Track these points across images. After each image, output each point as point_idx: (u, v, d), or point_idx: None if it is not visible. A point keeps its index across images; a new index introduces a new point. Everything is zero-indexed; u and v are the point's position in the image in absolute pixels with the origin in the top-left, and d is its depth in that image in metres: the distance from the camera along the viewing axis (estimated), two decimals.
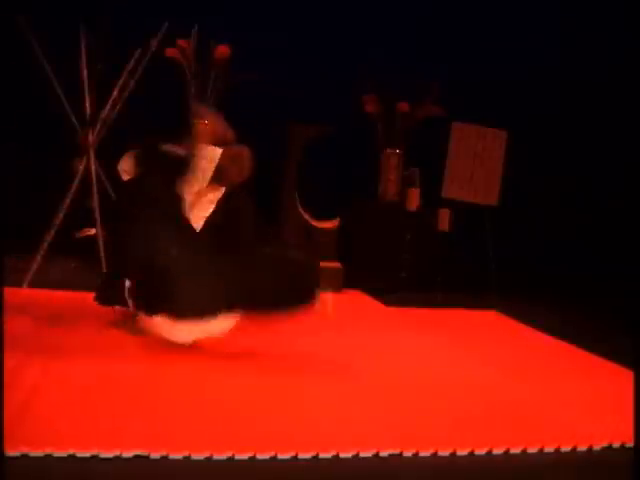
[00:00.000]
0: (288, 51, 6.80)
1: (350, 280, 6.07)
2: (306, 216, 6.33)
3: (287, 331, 4.25)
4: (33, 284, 5.08)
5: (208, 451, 2.66)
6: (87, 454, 2.56)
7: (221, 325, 3.79)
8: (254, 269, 3.88)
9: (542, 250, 7.20)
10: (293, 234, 6.25)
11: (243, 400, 3.24)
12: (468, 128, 6.82)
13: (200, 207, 4.11)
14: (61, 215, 5.33)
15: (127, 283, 4.02)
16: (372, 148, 6.58)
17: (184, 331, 3.73)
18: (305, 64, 6.87)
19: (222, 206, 4.17)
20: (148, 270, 3.82)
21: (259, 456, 2.69)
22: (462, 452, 2.89)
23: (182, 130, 5.88)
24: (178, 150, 4.19)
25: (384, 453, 2.82)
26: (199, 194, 4.11)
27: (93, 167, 5.46)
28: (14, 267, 5.01)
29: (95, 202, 5.41)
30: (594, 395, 3.77)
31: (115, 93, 5.52)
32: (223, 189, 4.20)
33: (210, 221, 4.09)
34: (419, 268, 6.44)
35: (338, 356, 4.10)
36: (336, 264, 6.12)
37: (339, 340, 4.45)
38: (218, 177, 4.18)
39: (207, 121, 4.37)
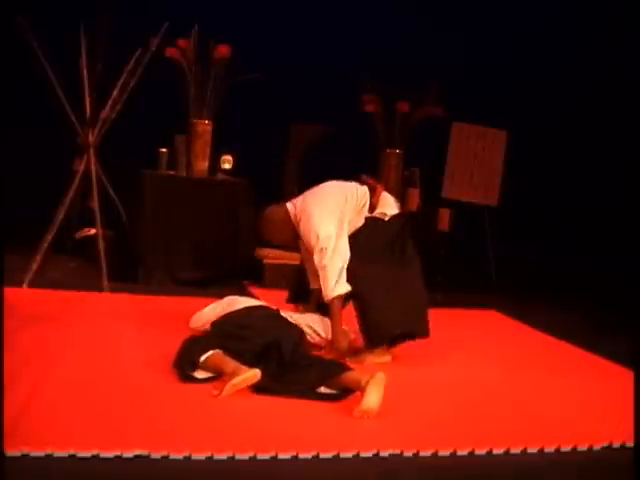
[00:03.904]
0: (288, 51, 6.80)
1: None
2: None
3: None
4: (33, 284, 5.08)
5: (208, 451, 2.66)
6: (87, 454, 2.56)
7: None
8: None
9: (542, 250, 7.20)
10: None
11: (243, 400, 3.24)
12: (468, 128, 6.82)
13: None
14: (61, 215, 5.32)
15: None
16: (372, 148, 6.58)
17: None
18: (305, 64, 6.87)
19: None
20: None
21: (259, 456, 2.69)
22: (462, 452, 2.89)
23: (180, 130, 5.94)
24: None
25: (384, 453, 2.82)
26: None
27: (93, 167, 5.45)
28: (14, 267, 5.00)
29: (95, 202, 5.40)
30: (594, 395, 3.77)
31: (115, 93, 5.51)
32: None
33: None
34: None
35: None
36: None
37: None
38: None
39: None
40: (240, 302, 4.01)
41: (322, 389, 3.33)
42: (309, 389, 3.32)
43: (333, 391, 3.33)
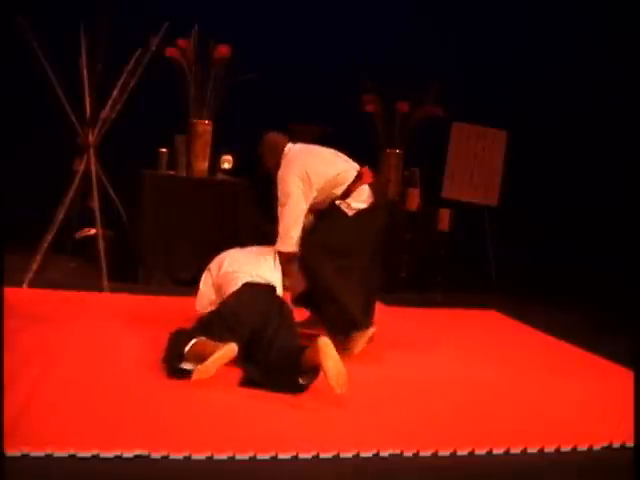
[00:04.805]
0: (288, 51, 6.80)
1: None
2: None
3: None
4: (33, 284, 5.08)
5: (208, 451, 2.67)
6: (87, 454, 2.56)
7: None
8: None
9: (542, 250, 7.21)
10: None
11: (243, 400, 3.24)
12: (468, 128, 6.82)
13: None
14: (61, 215, 5.32)
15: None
16: (372, 148, 6.58)
17: None
18: (305, 64, 6.87)
19: None
20: None
21: (259, 456, 2.70)
22: (462, 452, 2.89)
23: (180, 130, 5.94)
24: None
25: (384, 453, 2.82)
26: None
27: (93, 167, 5.45)
28: (14, 267, 5.00)
29: (95, 202, 5.40)
30: (594, 395, 3.77)
31: (115, 93, 5.52)
32: None
33: None
34: (419, 268, 6.43)
35: None
36: None
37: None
38: None
39: None
40: (225, 265, 4.05)
41: (300, 381, 3.35)
42: (289, 383, 3.34)
43: (305, 381, 3.35)
